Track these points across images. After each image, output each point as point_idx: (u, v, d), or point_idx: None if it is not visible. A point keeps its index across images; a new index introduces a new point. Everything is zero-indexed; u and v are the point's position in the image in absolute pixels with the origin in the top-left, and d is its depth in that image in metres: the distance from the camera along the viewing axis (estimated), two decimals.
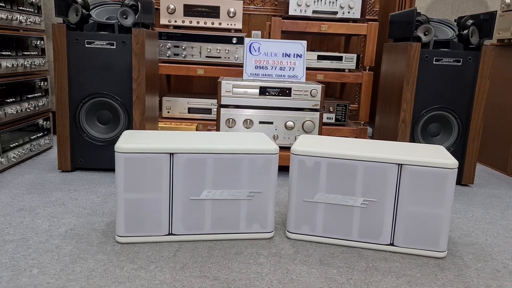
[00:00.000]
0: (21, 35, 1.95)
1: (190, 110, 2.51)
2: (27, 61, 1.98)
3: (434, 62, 1.86)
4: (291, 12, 2.37)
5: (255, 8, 2.93)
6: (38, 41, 2.08)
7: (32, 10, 2.05)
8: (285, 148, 1.90)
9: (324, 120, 2.47)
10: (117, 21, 1.80)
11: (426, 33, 1.87)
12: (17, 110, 1.89)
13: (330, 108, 2.47)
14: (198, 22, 2.48)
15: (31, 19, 2.01)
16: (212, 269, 1.10)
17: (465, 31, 1.87)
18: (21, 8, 1.95)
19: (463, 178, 1.94)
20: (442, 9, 2.59)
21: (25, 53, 1.98)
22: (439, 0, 2.77)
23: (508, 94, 2.20)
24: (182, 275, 1.06)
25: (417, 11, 1.85)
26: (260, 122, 1.92)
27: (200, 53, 2.45)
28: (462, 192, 1.87)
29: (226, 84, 1.88)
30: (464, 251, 1.29)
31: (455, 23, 2.00)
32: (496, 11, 1.85)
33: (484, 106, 1.88)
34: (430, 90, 1.89)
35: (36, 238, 1.22)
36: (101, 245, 1.19)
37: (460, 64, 1.86)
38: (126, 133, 1.31)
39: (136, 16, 1.78)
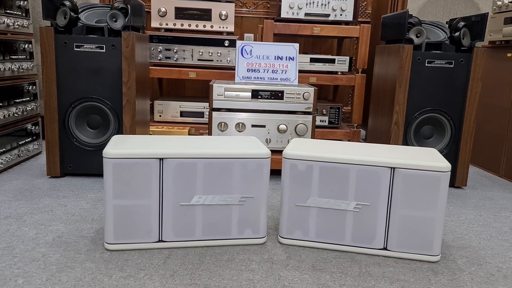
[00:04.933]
0: (8, 39, 1.92)
1: (183, 114, 2.48)
2: (15, 65, 1.95)
3: (426, 64, 1.86)
4: (283, 14, 2.36)
5: (247, 11, 2.92)
6: (26, 45, 2.05)
7: (20, 13, 2.02)
8: (278, 152, 1.88)
9: (317, 123, 2.46)
10: (106, 24, 1.78)
11: (418, 35, 1.87)
12: (4, 115, 1.86)
13: (323, 111, 2.46)
14: (189, 25, 2.46)
15: (19, 23, 1.98)
16: (203, 276, 1.08)
17: (457, 33, 1.87)
18: (8, 11, 1.92)
19: (456, 180, 1.93)
20: (434, 11, 2.59)
21: (13, 57, 1.95)
22: (431, 2, 2.78)
23: (499, 96, 2.20)
24: (172, 283, 1.04)
25: (409, 13, 1.85)
26: (253, 126, 1.90)
27: (192, 56, 2.43)
28: (455, 195, 1.86)
29: (218, 88, 1.86)
30: (457, 254, 1.28)
31: (447, 25, 2.00)
32: (488, 13, 1.85)
33: (476, 108, 1.87)
34: (422, 92, 1.88)
35: (22, 246, 1.19)
36: (90, 253, 1.17)
37: (452, 66, 1.86)
38: (115, 138, 1.28)
39: (126, 19, 1.76)
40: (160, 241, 1.21)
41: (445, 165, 1.17)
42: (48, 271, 1.07)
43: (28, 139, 2.08)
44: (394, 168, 1.19)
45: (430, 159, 1.21)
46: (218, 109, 1.88)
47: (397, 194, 1.19)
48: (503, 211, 1.68)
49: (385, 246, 1.23)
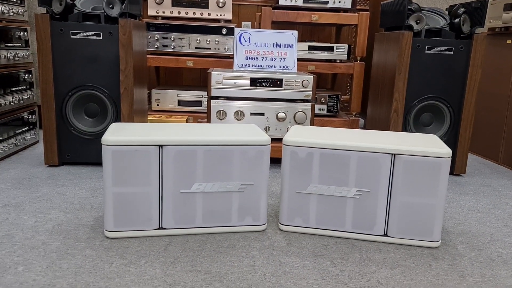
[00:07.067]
0: (3, 26, 1.89)
1: (180, 103, 2.47)
2: (10, 53, 1.92)
3: (426, 51, 1.85)
4: (282, 2, 2.34)
5: None
6: (22, 33, 2.03)
7: (14, 0, 1.98)
8: (277, 140, 1.88)
9: (316, 111, 2.45)
10: (103, 11, 1.75)
11: (418, 21, 1.85)
12: (0, 104, 1.84)
13: (322, 99, 2.45)
14: (187, 13, 2.43)
15: (13, 10, 1.95)
16: (204, 263, 1.08)
17: (457, 20, 1.86)
18: None
19: (455, 167, 1.94)
20: None
21: (8, 45, 1.92)
22: None
23: (499, 83, 2.19)
24: (173, 270, 1.04)
25: None
26: (251, 114, 1.89)
27: (190, 44, 2.40)
28: (454, 182, 1.86)
29: (216, 75, 1.84)
30: (457, 240, 1.28)
31: (447, 12, 1.98)
32: None
33: (476, 95, 1.87)
34: (422, 80, 1.87)
35: (22, 234, 1.19)
36: (90, 241, 1.16)
37: (452, 53, 1.85)
38: (114, 126, 1.27)
39: (123, 6, 1.73)
40: (160, 228, 1.20)
41: (446, 151, 1.17)
42: (48, 258, 1.06)
43: (25, 128, 2.06)
44: (394, 154, 1.18)
45: (430, 145, 1.20)
46: (217, 97, 1.87)
47: (397, 181, 1.19)
48: (502, 198, 1.68)
49: (385, 233, 1.23)
